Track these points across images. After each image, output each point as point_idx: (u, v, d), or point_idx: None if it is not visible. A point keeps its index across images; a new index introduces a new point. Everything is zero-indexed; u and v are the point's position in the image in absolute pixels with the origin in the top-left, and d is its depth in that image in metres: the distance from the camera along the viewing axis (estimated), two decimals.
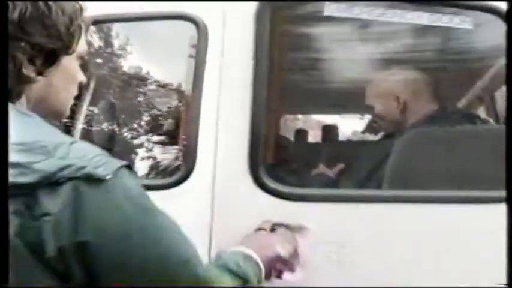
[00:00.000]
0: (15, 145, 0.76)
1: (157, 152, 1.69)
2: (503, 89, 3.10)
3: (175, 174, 1.54)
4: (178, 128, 1.73)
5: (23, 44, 0.82)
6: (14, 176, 0.74)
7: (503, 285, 0.96)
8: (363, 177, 1.73)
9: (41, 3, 0.84)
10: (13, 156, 0.75)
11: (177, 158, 1.68)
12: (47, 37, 0.85)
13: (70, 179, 0.76)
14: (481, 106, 3.28)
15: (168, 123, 1.75)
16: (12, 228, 0.73)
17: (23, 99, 0.88)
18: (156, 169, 1.75)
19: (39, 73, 0.87)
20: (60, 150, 0.78)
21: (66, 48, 0.89)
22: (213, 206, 1.45)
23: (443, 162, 1.49)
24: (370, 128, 2.18)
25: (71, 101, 0.99)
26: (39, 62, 0.86)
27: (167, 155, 1.70)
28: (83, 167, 0.77)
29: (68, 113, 1.00)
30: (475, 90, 3.05)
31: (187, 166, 1.52)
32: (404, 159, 1.54)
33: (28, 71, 0.84)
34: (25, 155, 0.76)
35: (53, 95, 0.93)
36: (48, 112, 0.94)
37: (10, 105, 0.83)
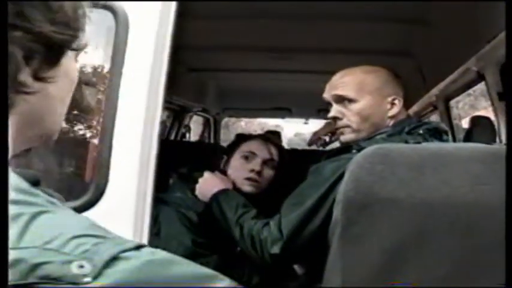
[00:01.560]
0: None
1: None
2: (460, 97, 2.99)
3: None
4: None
5: (20, 33, 0.52)
6: None
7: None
8: (312, 203, 1.39)
9: None
10: None
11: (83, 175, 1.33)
12: (52, 24, 0.55)
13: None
14: (433, 114, 3.13)
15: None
16: None
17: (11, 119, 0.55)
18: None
19: (37, 78, 0.56)
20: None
21: (74, 39, 0.59)
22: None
23: (409, 187, 1.22)
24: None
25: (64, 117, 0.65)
26: (36, 62, 0.55)
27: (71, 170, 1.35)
28: (41, 264, 0.43)
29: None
30: (429, 97, 2.87)
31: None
32: (362, 182, 1.26)
33: (24, 75, 0.54)
34: None
35: (49, 110, 0.60)
36: (37, 136, 0.61)
37: None
